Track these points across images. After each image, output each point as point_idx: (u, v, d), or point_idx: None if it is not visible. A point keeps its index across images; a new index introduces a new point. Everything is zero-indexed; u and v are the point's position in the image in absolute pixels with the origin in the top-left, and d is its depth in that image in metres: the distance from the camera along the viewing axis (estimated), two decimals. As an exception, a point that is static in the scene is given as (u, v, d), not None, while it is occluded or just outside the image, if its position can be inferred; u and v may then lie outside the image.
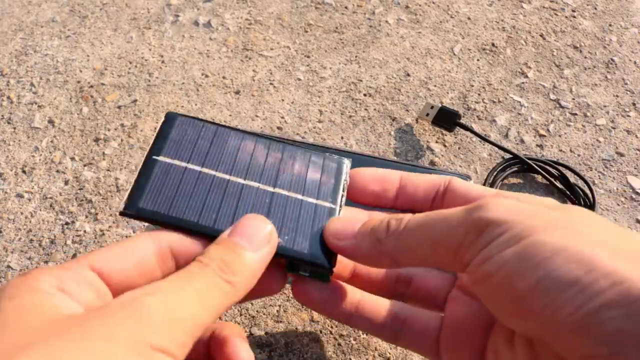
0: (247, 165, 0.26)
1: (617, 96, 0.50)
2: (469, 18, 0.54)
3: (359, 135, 0.46)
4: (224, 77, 0.50)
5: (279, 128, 0.46)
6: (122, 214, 0.24)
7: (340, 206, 0.26)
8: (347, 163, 0.28)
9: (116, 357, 0.16)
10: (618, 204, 0.43)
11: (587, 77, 0.51)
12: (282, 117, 0.47)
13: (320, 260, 0.24)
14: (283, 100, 0.48)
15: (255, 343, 0.36)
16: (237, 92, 0.49)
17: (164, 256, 0.22)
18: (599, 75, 0.51)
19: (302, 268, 0.25)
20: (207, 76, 0.50)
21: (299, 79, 0.50)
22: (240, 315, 0.37)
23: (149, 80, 0.50)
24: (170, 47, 0.52)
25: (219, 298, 0.20)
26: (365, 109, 0.47)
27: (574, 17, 0.56)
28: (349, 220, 0.24)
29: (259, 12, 0.55)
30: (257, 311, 0.37)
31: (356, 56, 0.51)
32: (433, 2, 0.56)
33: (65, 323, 0.17)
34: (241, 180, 0.25)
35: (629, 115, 0.48)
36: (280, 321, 0.37)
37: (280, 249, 0.24)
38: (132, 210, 0.24)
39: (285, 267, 0.25)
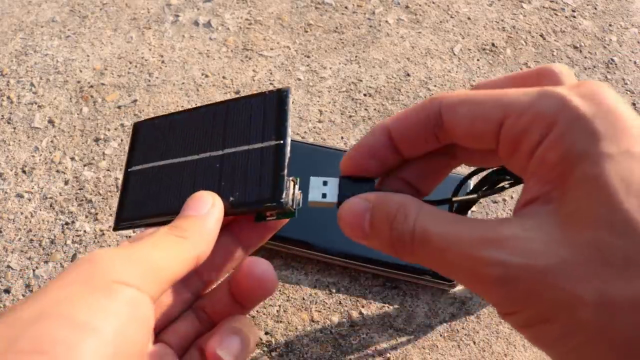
0: (198, 141, 0.27)
1: (617, 96, 0.50)
2: (469, 18, 0.54)
3: (359, 135, 0.46)
4: (224, 77, 0.50)
5: (279, 128, 0.46)
6: (114, 229, 0.27)
7: (285, 137, 0.25)
8: (288, 91, 0.26)
9: (73, 298, 0.16)
10: (618, 204, 0.43)
11: (587, 77, 0.51)
12: (282, 117, 0.47)
13: (270, 200, 0.23)
14: (283, 100, 0.48)
15: (255, 343, 0.36)
16: (237, 92, 0.49)
17: None
18: (599, 75, 0.51)
19: (266, 214, 0.25)
20: (207, 76, 0.50)
21: (299, 79, 0.50)
22: (240, 315, 0.37)
23: (149, 80, 0.50)
24: (170, 47, 0.52)
25: (176, 248, 0.21)
26: (365, 109, 0.47)
27: (574, 17, 0.56)
28: (353, 216, 0.21)
29: (259, 12, 0.55)
30: (257, 311, 0.37)
31: (356, 56, 0.51)
32: (433, 2, 0.56)
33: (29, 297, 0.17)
34: (195, 157, 0.26)
35: (629, 115, 0.48)
36: (280, 321, 0.37)
37: (235, 204, 0.24)
38: (119, 224, 0.26)
39: (254, 219, 0.25)
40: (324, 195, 0.24)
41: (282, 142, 0.25)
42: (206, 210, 0.23)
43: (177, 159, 0.26)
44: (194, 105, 0.48)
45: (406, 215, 0.20)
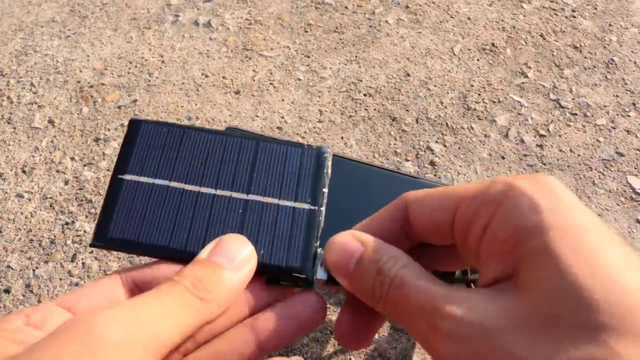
0: (217, 172, 0.24)
1: (617, 96, 0.50)
2: (469, 18, 0.54)
3: (359, 135, 0.46)
4: (224, 77, 0.50)
5: (279, 128, 0.46)
6: (91, 246, 0.23)
7: (321, 205, 0.24)
8: (328, 153, 0.25)
9: None
10: (618, 204, 0.43)
11: (587, 77, 0.51)
12: (282, 117, 0.47)
13: (299, 271, 0.22)
14: (283, 100, 0.48)
15: (255, 343, 0.36)
16: (237, 92, 0.49)
17: (134, 292, 0.22)
18: (599, 75, 0.51)
19: (282, 279, 0.23)
20: (207, 76, 0.50)
21: (299, 79, 0.50)
22: (240, 315, 0.37)
23: (149, 80, 0.50)
24: (170, 47, 0.52)
25: (188, 314, 0.19)
26: (365, 109, 0.47)
27: (574, 17, 0.56)
28: (343, 252, 0.22)
29: (259, 12, 0.55)
30: (257, 311, 0.37)
31: (356, 56, 0.51)
32: (433, 2, 0.56)
33: (17, 356, 0.16)
34: (212, 191, 0.24)
35: (629, 115, 0.48)
36: (280, 321, 0.37)
37: (258, 265, 0.22)
38: (101, 242, 0.23)
39: (266, 280, 0.23)
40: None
41: (317, 208, 0.24)
42: (239, 264, 0.21)
43: (189, 185, 0.24)
44: (194, 106, 0.48)
45: (395, 264, 0.20)
